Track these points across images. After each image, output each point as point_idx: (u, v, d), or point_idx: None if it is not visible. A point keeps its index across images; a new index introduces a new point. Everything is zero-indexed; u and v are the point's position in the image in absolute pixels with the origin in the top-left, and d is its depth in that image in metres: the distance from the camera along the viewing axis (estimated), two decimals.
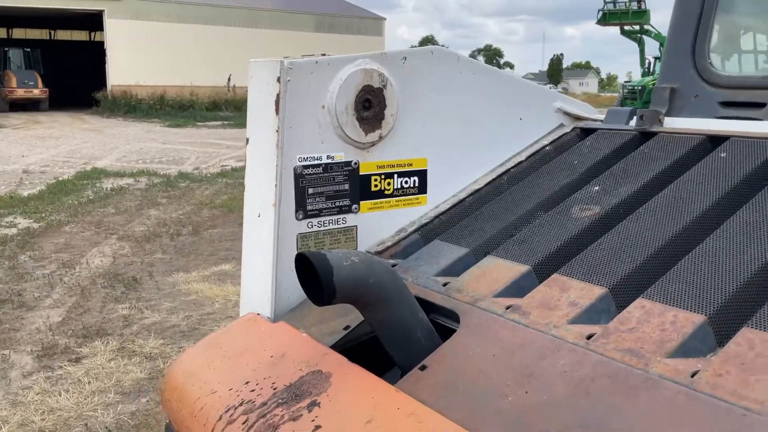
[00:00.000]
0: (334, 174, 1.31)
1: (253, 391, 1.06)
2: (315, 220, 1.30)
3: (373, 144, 1.34)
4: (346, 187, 1.32)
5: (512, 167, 1.50)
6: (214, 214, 10.83)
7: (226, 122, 29.40)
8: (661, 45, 28.53)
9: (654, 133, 1.42)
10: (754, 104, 1.43)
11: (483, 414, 0.86)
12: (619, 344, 0.89)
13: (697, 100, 1.51)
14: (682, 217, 1.12)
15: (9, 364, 5.13)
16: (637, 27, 30.56)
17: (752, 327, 0.85)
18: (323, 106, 1.27)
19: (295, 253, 1.28)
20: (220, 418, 1.04)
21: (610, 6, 30.60)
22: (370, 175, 1.35)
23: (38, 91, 32.41)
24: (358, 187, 1.34)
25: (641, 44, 30.48)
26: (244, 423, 1.00)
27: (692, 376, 0.81)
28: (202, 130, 26.64)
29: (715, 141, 1.31)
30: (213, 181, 14.07)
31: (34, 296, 6.72)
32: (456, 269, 1.23)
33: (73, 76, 38.43)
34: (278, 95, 1.22)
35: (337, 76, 1.27)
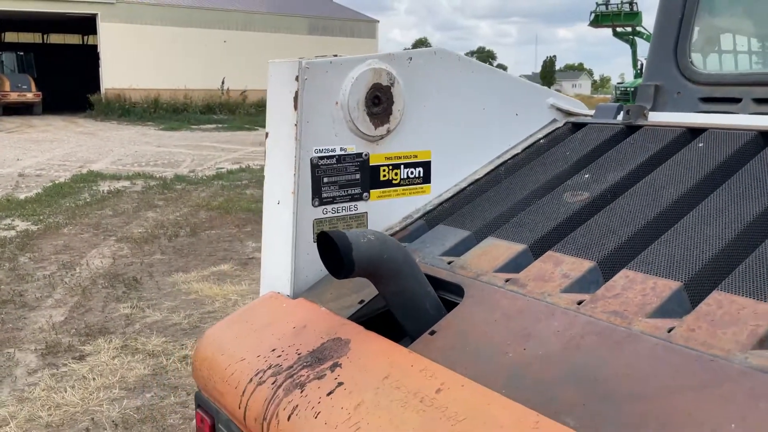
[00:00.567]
0: (346, 165, 1.43)
1: (279, 356, 1.18)
2: (329, 207, 1.42)
3: (381, 137, 1.46)
4: (358, 176, 1.45)
5: (509, 159, 1.63)
6: (211, 215, 10.92)
7: (220, 125, 29.45)
8: None
9: (639, 127, 1.55)
10: (731, 99, 1.56)
11: (487, 368, 0.99)
12: (605, 308, 1.02)
13: (679, 97, 1.64)
14: (663, 199, 1.25)
15: (14, 362, 5.22)
16: (629, 29, 30.78)
17: (721, 291, 0.97)
18: (337, 103, 1.39)
19: (312, 236, 1.40)
20: (251, 380, 1.16)
21: (603, 8, 30.81)
22: (379, 166, 1.48)
23: (32, 95, 32.36)
24: (369, 177, 1.46)
25: (633, 46, 30.70)
26: (273, 383, 1.12)
27: (668, 331, 0.93)
28: (197, 133, 26.69)
29: (694, 132, 1.44)
30: (209, 183, 14.15)
31: (36, 296, 6.80)
32: (459, 250, 1.35)
33: (66, 79, 38.37)
34: (297, 92, 1.34)
35: (349, 75, 1.39)
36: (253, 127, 29.46)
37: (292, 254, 1.38)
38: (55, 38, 43.15)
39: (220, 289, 6.98)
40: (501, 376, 0.96)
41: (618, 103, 1.71)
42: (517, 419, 0.87)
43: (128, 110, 30.88)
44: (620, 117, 1.63)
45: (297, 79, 1.33)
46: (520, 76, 1.82)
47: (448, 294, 1.24)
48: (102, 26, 32.66)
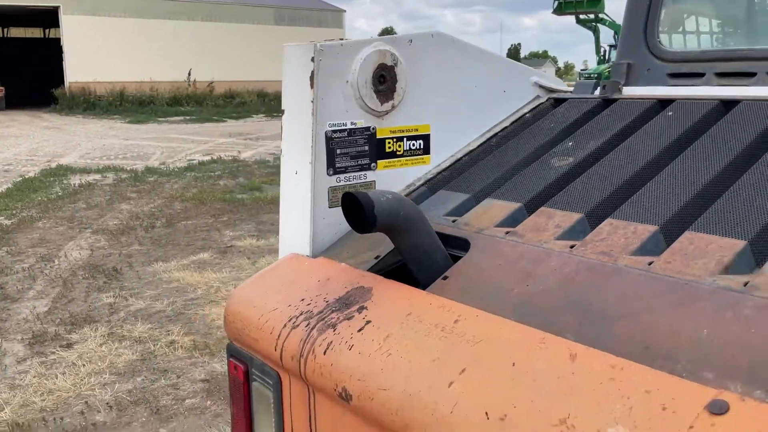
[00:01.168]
0: (356, 138, 1.58)
1: (309, 304, 1.33)
2: (342, 176, 1.57)
3: (387, 112, 1.62)
4: (366, 148, 1.60)
5: (499, 131, 1.81)
6: (186, 206, 10.95)
7: (187, 117, 29.20)
8: (616, 33, 29.23)
9: (615, 100, 1.74)
10: (695, 74, 1.76)
11: (496, 302, 1.16)
12: (594, 249, 1.20)
13: (648, 73, 1.83)
14: (639, 160, 1.43)
15: (2, 352, 5.28)
16: (592, 16, 31.22)
17: (691, 231, 1.16)
18: (347, 81, 1.55)
19: (327, 203, 1.56)
20: (285, 326, 1.31)
21: None
22: (384, 139, 1.63)
23: None
24: (376, 149, 1.62)
25: (596, 33, 31.17)
26: (306, 326, 1.27)
27: (649, 264, 1.11)
28: (164, 125, 26.44)
29: (663, 103, 1.63)
30: (181, 175, 14.12)
31: (17, 288, 6.82)
32: (460, 211, 1.52)
33: (28, 74, 37.57)
34: (312, 72, 1.49)
35: (357, 56, 1.54)
36: (222, 118, 29.30)
37: (310, 218, 1.53)
38: (16, 32, 42.14)
39: (201, 276, 7.08)
40: (509, 308, 1.13)
41: (593, 81, 1.89)
42: (526, 337, 1.04)
43: (93, 104, 30.41)
44: (597, 92, 1.82)
45: (313, 60, 1.48)
46: None
47: (454, 250, 1.41)
48: (64, 19, 32.05)
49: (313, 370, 1.22)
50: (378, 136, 1.62)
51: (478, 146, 1.76)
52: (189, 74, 34.37)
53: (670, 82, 1.80)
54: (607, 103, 1.75)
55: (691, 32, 2.10)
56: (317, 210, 1.54)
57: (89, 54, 31.90)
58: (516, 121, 1.83)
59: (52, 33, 39.14)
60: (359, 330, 1.20)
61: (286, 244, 1.61)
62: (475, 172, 1.66)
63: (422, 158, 1.71)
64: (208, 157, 16.60)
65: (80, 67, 31.85)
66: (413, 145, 1.69)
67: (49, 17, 33.82)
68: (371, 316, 1.22)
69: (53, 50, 34.46)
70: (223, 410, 4.29)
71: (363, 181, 1.61)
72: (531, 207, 1.43)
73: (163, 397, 4.51)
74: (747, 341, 0.90)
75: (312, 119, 1.50)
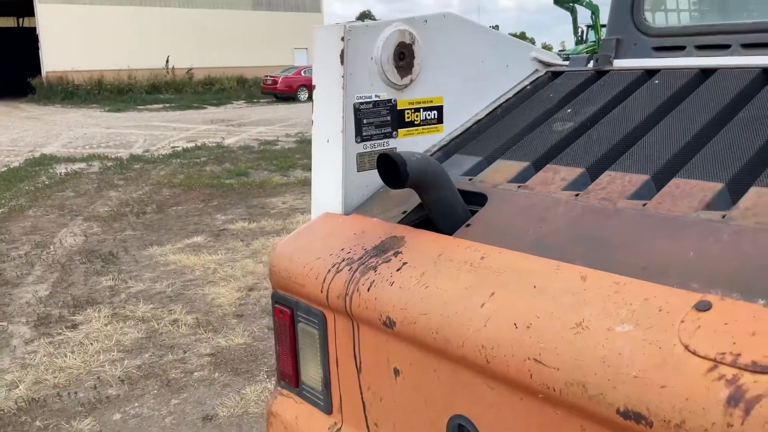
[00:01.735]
0: (380, 109, 1.78)
1: (349, 252, 1.53)
2: (368, 143, 1.77)
3: (406, 86, 1.82)
4: (388, 118, 1.80)
5: (503, 102, 2.01)
6: (175, 192, 11.06)
7: (167, 105, 29.06)
8: (593, 13, 29.45)
9: (606, 71, 1.95)
10: (677, 47, 1.98)
11: (515, 242, 1.37)
12: (596, 196, 1.41)
13: (635, 47, 2.05)
14: (631, 122, 1.65)
15: (8, 334, 5.42)
16: None
17: (678, 177, 1.38)
18: (372, 58, 1.74)
19: (356, 167, 1.76)
20: (329, 271, 1.51)
21: None
22: (404, 110, 1.83)
23: None
24: (396, 119, 1.82)
25: (574, 13, 31.33)
26: (349, 269, 1.48)
27: (643, 205, 1.33)
28: (144, 113, 26.31)
29: (650, 73, 1.85)
30: (167, 161, 14.18)
31: (16, 274, 6.93)
32: (475, 171, 1.73)
33: (3, 64, 36.98)
34: (342, 50, 1.68)
35: (380, 36, 1.74)
36: (202, 105, 29.21)
37: (342, 181, 1.73)
38: None
39: (197, 258, 7.24)
40: (526, 245, 1.34)
41: (587, 54, 2.11)
42: (543, 266, 1.25)
43: (71, 93, 30.10)
44: (590, 65, 2.03)
45: (342, 39, 1.67)
46: None
47: (471, 205, 1.61)
48: (40, 7, 31.58)
49: (359, 305, 1.42)
50: (398, 108, 1.82)
51: (486, 116, 1.97)
52: (167, 61, 34.14)
53: (655, 54, 2.02)
54: (599, 74, 1.96)
55: (673, 10, 2.32)
56: (348, 173, 1.74)
57: (66, 43, 31.53)
58: (518, 92, 2.04)
59: (26, 22, 38.55)
60: (398, 270, 1.41)
61: (319, 205, 1.81)
62: (484, 138, 1.87)
63: (437, 127, 1.91)
64: (191, 144, 16.65)
65: (57, 56, 31.49)
66: (428, 115, 1.89)
67: (23, 6, 33.33)
68: (407, 258, 1.43)
69: (28, 40, 33.98)
70: (231, 380, 4.49)
71: (386, 147, 1.81)
72: (538, 165, 1.64)
73: (172, 371, 4.69)
74: (725, 258, 1.12)
75: (342, 92, 1.70)
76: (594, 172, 1.53)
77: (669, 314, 1.03)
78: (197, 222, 8.93)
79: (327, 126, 1.75)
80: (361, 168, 1.76)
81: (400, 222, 1.61)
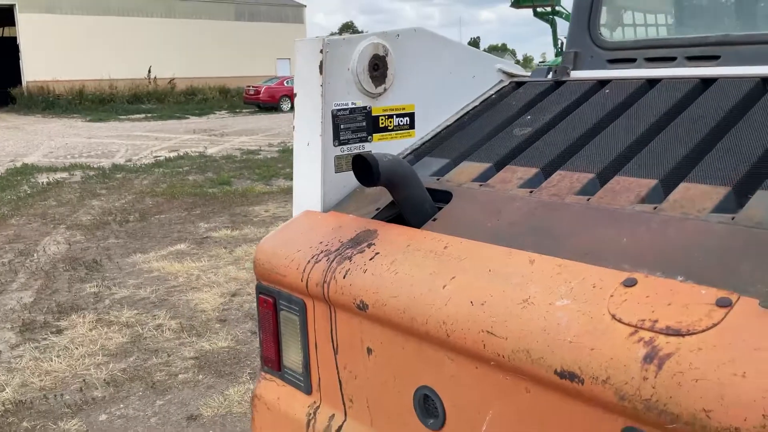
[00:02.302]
0: (356, 115, 1.94)
1: (327, 245, 1.69)
2: (345, 146, 1.93)
3: (380, 94, 1.98)
4: (364, 124, 1.96)
5: (471, 110, 2.18)
6: (158, 201, 11.12)
7: (149, 115, 29.03)
8: None
9: (564, 81, 2.13)
10: (628, 60, 2.16)
11: (476, 233, 1.53)
12: (548, 192, 1.58)
13: (592, 59, 2.23)
14: (582, 126, 1.83)
15: None
16: (549, 9, 31.77)
17: (620, 176, 1.55)
18: (348, 68, 1.90)
19: (333, 168, 1.91)
20: (309, 261, 1.67)
21: None
22: (378, 116, 2.00)
23: None
24: (371, 125, 1.98)
25: (553, 25, 31.76)
26: (327, 259, 1.63)
27: (587, 200, 1.50)
28: (126, 123, 26.28)
29: (602, 83, 2.03)
30: (149, 171, 14.23)
31: (0, 282, 6.97)
32: (442, 172, 1.90)
33: None
34: (321, 62, 1.84)
35: (356, 48, 1.90)
36: (184, 115, 29.23)
37: (321, 181, 1.89)
38: None
39: (181, 265, 7.33)
40: (485, 236, 1.51)
41: (547, 66, 2.29)
42: (498, 253, 1.42)
43: (52, 103, 29.97)
44: (550, 75, 2.21)
45: (321, 51, 1.83)
46: None
47: (438, 202, 1.78)
48: (20, 17, 31.45)
49: (335, 291, 1.58)
50: (373, 114, 1.98)
51: (454, 122, 2.14)
52: (149, 71, 34.14)
53: (609, 66, 2.20)
54: (557, 84, 2.14)
55: (626, 25, 2.51)
56: (326, 174, 1.90)
57: (47, 52, 31.45)
58: (484, 101, 2.21)
59: (6, 32, 38.35)
60: (371, 259, 1.57)
61: (300, 203, 1.96)
62: (452, 142, 2.04)
63: (409, 132, 2.07)
64: (174, 154, 16.71)
65: (38, 65, 31.38)
66: (401, 121, 2.05)
67: (4, 16, 33.19)
68: (379, 249, 1.59)
69: (9, 49, 33.80)
70: (214, 382, 4.60)
71: (362, 150, 1.97)
72: (499, 166, 1.81)
73: (157, 374, 4.78)
74: (653, 243, 1.29)
75: (321, 100, 1.86)
76: (547, 171, 1.70)
77: (601, 290, 1.20)
78: (180, 230, 9.02)
79: (307, 131, 1.91)
80: (338, 169, 1.92)
81: (374, 217, 1.77)
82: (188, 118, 28.67)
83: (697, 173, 1.44)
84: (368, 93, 1.95)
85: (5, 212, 10.10)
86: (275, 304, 1.79)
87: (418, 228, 1.67)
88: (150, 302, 6.27)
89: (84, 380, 4.68)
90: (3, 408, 4.27)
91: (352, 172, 1.69)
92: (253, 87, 30.55)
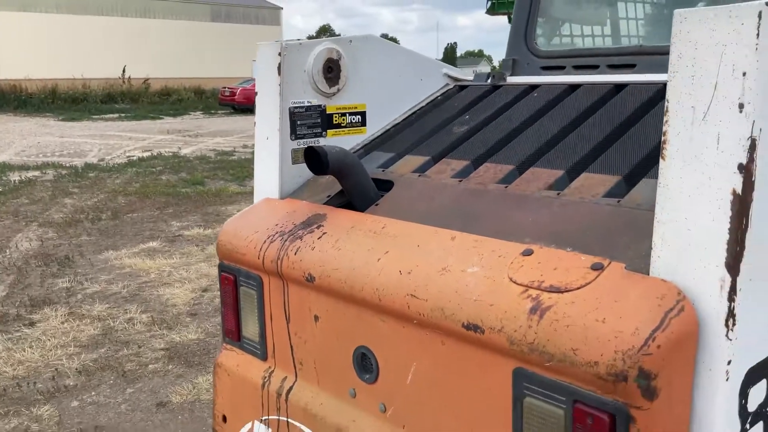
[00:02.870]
0: (311, 112, 2.16)
1: (281, 227, 1.90)
2: (301, 141, 2.15)
3: (334, 94, 2.20)
4: (319, 121, 2.18)
5: (417, 110, 2.42)
6: (130, 200, 11.21)
7: (123, 114, 28.89)
8: None
9: (501, 85, 2.37)
10: (559, 67, 2.41)
11: (410, 215, 1.76)
12: (474, 181, 1.82)
13: (528, 66, 2.48)
14: (512, 123, 2.07)
15: None
16: None
17: (534, 167, 1.79)
18: (304, 70, 2.12)
19: (291, 160, 2.13)
20: (265, 241, 1.88)
21: None
22: (332, 114, 2.22)
23: None
24: (326, 121, 2.20)
25: None
26: (281, 239, 1.85)
27: (505, 188, 1.74)
28: (99, 123, 26.14)
29: (533, 87, 2.28)
30: (122, 170, 14.27)
31: None
32: (388, 164, 2.13)
33: None
34: (279, 64, 2.06)
35: (312, 52, 2.12)
36: (158, 115, 29.15)
37: (279, 171, 2.11)
38: None
39: (153, 262, 7.47)
40: (418, 217, 1.74)
41: (488, 72, 2.53)
42: (426, 232, 1.65)
43: (25, 101, 29.68)
44: (489, 80, 2.46)
45: (279, 54, 2.05)
46: None
47: (382, 191, 2.00)
48: None
49: (287, 266, 1.79)
50: (327, 112, 2.21)
51: (402, 120, 2.37)
52: (123, 71, 33.98)
53: (543, 73, 2.45)
54: (495, 88, 2.39)
55: (561, 35, 2.77)
56: (284, 165, 2.12)
57: (19, 51, 31.18)
58: (431, 102, 2.45)
59: None
60: (318, 238, 1.79)
61: (260, 191, 2.18)
62: (399, 139, 2.27)
63: (360, 129, 2.30)
64: (147, 154, 16.74)
65: (10, 64, 31.09)
66: (353, 119, 2.28)
67: None
68: (326, 230, 1.81)
69: None
70: (184, 372, 4.78)
71: (317, 145, 2.19)
72: (436, 159, 2.05)
73: (128, 364, 4.94)
74: (552, 222, 1.53)
75: (279, 98, 2.08)
76: (477, 163, 1.93)
77: (504, 259, 1.43)
78: (153, 228, 9.14)
79: (267, 126, 2.12)
80: (295, 161, 2.14)
81: (325, 203, 1.99)
82: (162, 118, 28.59)
83: (597, 165, 1.69)
84: (323, 93, 2.17)
85: None
86: (235, 281, 2.00)
87: (363, 212, 1.89)
88: (122, 297, 6.41)
89: (56, 369, 4.82)
90: None
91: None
92: (228, 88, 30.60)
